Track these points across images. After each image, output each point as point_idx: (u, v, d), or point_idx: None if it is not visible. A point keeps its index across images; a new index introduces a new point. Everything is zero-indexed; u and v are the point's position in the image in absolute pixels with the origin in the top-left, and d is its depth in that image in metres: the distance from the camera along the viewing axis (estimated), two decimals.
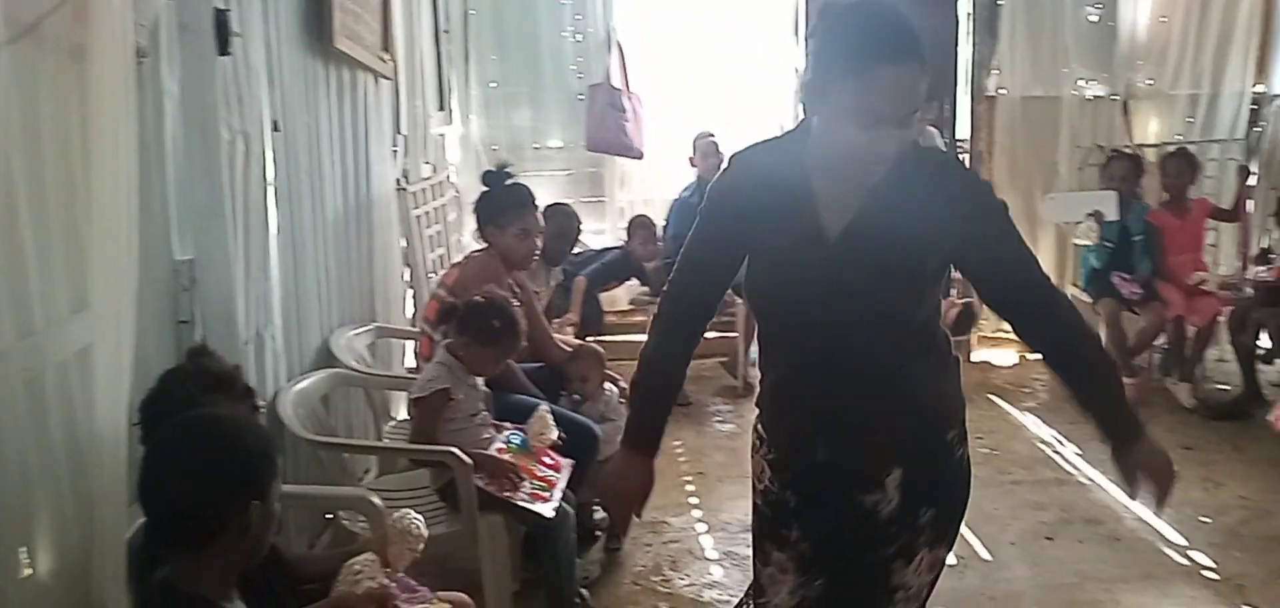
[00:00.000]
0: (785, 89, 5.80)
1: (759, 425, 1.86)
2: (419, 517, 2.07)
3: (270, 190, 2.76)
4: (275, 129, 2.81)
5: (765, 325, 1.84)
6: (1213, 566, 3.27)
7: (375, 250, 3.93)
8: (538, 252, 3.49)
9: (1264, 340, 4.57)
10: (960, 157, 5.84)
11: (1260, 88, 5.43)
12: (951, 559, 2.02)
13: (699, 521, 3.79)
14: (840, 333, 1.65)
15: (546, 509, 2.70)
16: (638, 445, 1.84)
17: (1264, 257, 4.83)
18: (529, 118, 6.12)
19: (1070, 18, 5.62)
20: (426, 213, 4.50)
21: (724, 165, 1.81)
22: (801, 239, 1.65)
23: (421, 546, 2.04)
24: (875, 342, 1.65)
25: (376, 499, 2.35)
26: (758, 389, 1.87)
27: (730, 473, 4.27)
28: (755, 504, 1.86)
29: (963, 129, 5.90)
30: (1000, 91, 5.71)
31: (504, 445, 2.79)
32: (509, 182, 3.44)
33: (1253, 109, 5.53)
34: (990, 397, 5.11)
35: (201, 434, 1.53)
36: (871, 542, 1.72)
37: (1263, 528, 3.56)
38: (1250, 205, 5.31)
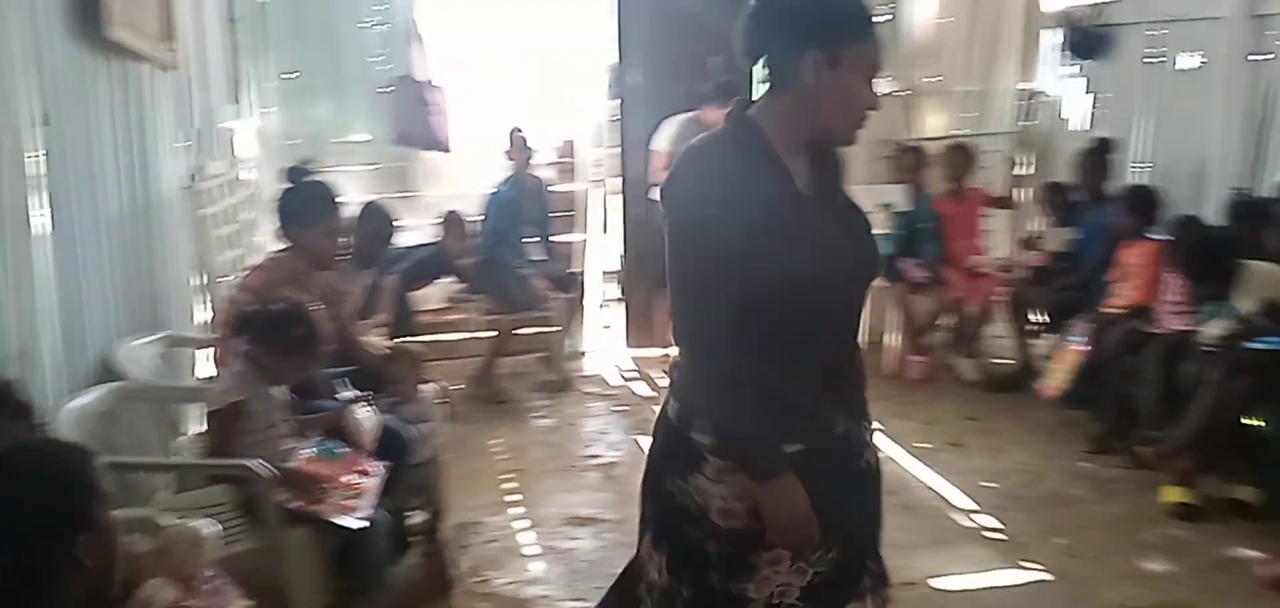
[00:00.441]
0: (599, 79, 5.82)
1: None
2: (205, 522, 1.96)
3: (37, 190, 2.52)
4: (46, 123, 2.57)
5: (784, 322, 1.65)
6: (999, 526, 3.53)
7: (163, 253, 3.67)
8: (347, 251, 3.36)
9: (1036, 317, 5.00)
10: None
11: (1025, 85, 5.92)
12: None
13: (519, 518, 3.77)
14: (853, 303, 1.75)
15: (353, 521, 2.60)
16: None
17: (1034, 241, 5.27)
18: (330, 111, 5.88)
19: None
20: (219, 212, 4.24)
21: (692, 184, 1.66)
22: (813, 224, 1.67)
23: (211, 551, 1.95)
24: (862, 302, 1.77)
25: (159, 517, 2.19)
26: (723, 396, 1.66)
27: (550, 468, 4.27)
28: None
29: None
30: None
31: (313, 454, 2.67)
32: (312, 178, 3.29)
33: (1021, 104, 6.02)
34: None
35: None
36: (878, 498, 1.85)
37: (1040, 490, 3.88)
38: (1021, 193, 5.78)
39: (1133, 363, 4.02)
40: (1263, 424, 3.61)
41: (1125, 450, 4.04)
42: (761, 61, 1.68)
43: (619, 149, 5.88)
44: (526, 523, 3.72)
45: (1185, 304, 4.00)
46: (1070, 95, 5.51)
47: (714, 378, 1.63)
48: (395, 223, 4.50)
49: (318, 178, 3.31)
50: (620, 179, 5.89)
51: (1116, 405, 4.14)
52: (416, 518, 3.29)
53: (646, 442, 4.47)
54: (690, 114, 5.17)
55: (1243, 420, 3.58)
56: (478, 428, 4.72)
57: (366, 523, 2.63)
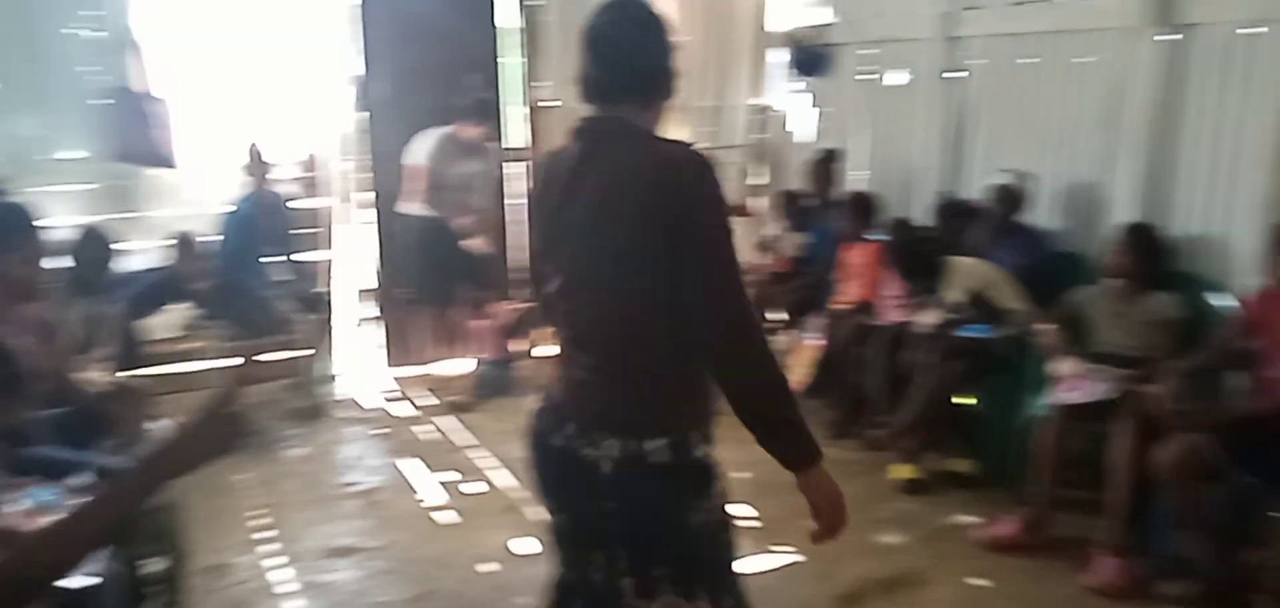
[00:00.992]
0: (344, 90, 5.58)
1: (706, 446, 1.86)
2: None
3: None
4: None
5: None
6: (753, 513, 3.73)
7: None
8: (60, 279, 3.04)
9: (776, 316, 5.31)
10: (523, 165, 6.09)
11: (757, 101, 6.30)
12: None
13: (272, 556, 3.56)
14: None
15: (76, 580, 2.35)
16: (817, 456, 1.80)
17: (771, 246, 5.61)
18: (35, 125, 5.28)
19: None
20: None
21: (714, 183, 1.72)
22: None
23: None
24: None
25: None
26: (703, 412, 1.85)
27: (305, 500, 4.06)
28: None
29: (518, 138, 6.13)
30: (554, 102, 6.02)
31: (31, 506, 2.39)
32: (6, 200, 2.95)
33: (753, 118, 6.40)
34: None
35: None
36: None
37: (787, 477, 4.10)
38: (757, 202, 6.14)
39: (860, 354, 4.38)
40: (973, 402, 4.05)
41: (859, 434, 4.40)
42: (641, 72, 1.81)
43: (369, 162, 5.70)
44: (281, 560, 3.52)
45: (903, 298, 4.41)
46: (797, 110, 5.92)
47: (774, 369, 1.75)
48: (116, 246, 4.15)
49: (10, 200, 2.96)
50: (373, 193, 5.71)
51: (849, 394, 4.49)
52: (154, 566, 3.02)
53: (409, 465, 4.33)
54: (447, 129, 5.11)
55: (956, 400, 4.00)
56: (222, 463, 4.40)
57: (96, 578, 2.39)
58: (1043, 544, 3.45)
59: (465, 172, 5.22)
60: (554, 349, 1.91)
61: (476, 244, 5.24)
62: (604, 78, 1.80)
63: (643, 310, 1.72)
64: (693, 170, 1.70)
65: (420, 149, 5.11)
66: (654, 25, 1.81)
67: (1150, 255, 3.61)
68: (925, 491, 3.92)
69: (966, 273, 4.10)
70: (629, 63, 1.80)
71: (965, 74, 4.82)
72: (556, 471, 1.88)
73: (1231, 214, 3.63)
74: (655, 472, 1.75)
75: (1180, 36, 3.77)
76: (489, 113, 5.19)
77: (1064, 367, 3.55)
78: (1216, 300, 3.55)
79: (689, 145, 1.79)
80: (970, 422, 4.10)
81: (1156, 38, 3.80)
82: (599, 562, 1.85)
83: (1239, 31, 3.59)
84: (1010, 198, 4.23)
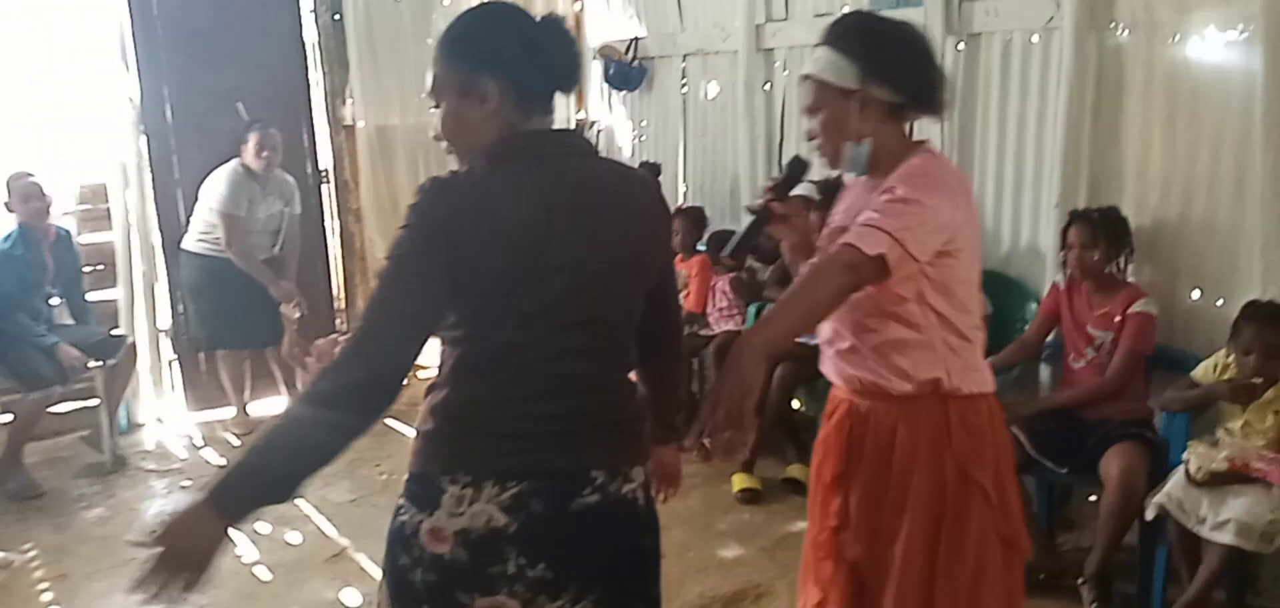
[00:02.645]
0: (122, 115, 5.11)
1: None
2: None
3: None
4: None
5: None
6: None
7: None
8: None
9: None
10: (324, 186, 5.79)
11: (581, 115, 6.26)
12: None
13: None
14: None
15: None
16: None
17: None
18: None
19: (414, 52, 5.88)
20: None
21: None
22: None
23: None
24: None
25: None
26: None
27: (103, 566, 3.68)
28: None
29: (325, 159, 5.83)
30: (357, 121, 5.76)
31: None
32: None
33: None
34: (386, 422, 5.13)
35: None
36: None
37: None
38: None
39: (695, 365, 4.41)
40: (802, 408, 4.15)
41: (698, 447, 4.40)
42: (578, 72, 1.67)
43: (152, 193, 5.26)
44: None
45: (733, 308, 4.47)
46: (620, 124, 5.92)
47: None
48: None
49: None
50: (158, 227, 5.27)
51: (686, 406, 4.50)
52: None
53: None
54: (235, 164, 4.82)
55: (790, 405, 4.08)
56: (3, 533, 3.95)
57: None
58: None
59: (268, 214, 4.92)
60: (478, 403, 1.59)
61: (290, 308, 4.96)
62: (539, 81, 1.61)
63: (632, 334, 1.72)
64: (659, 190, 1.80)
65: (223, 194, 4.80)
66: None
67: None
68: (763, 500, 3.98)
69: None
70: (571, 63, 1.65)
71: (771, 86, 4.94)
72: (589, 538, 1.59)
73: (1036, 213, 3.85)
74: (650, 498, 1.74)
75: (963, 46, 3.99)
76: (269, 139, 4.86)
77: None
78: (1023, 298, 3.77)
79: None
80: (802, 427, 4.19)
81: (955, 46, 4.00)
82: None
83: (1018, 39, 3.82)
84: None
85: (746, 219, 2.10)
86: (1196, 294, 3.38)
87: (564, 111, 6.17)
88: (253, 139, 4.83)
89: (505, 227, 1.50)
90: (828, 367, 2.07)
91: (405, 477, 1.63)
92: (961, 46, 3.98)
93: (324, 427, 1.52)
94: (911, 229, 1.76)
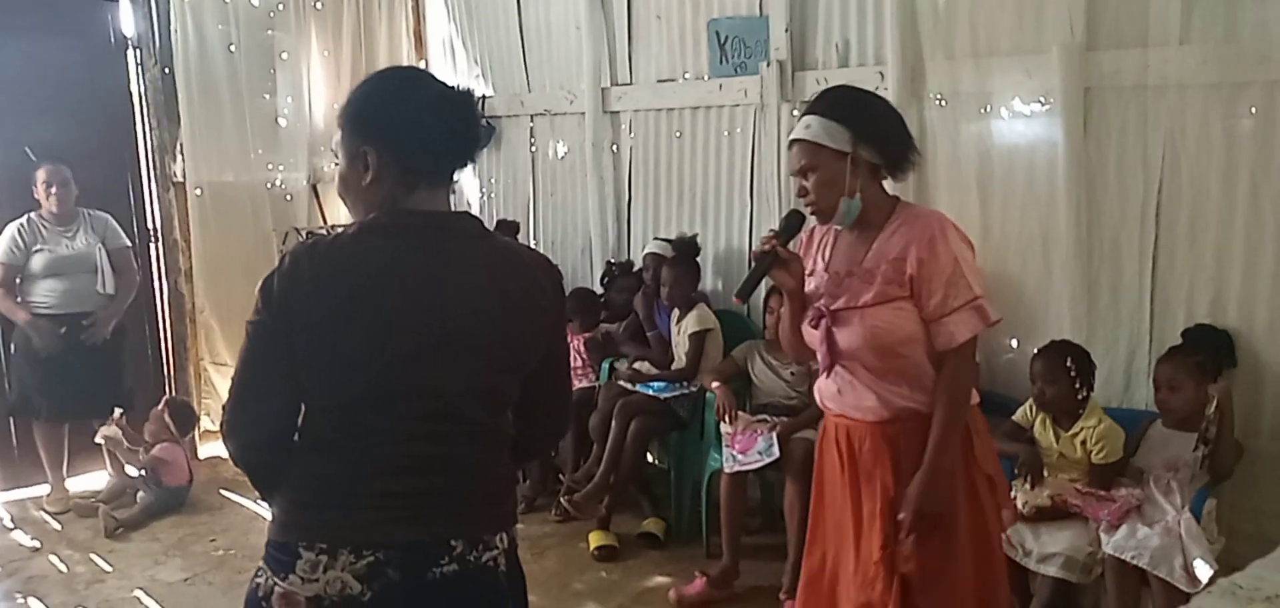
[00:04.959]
0: None
1: None
2: None
3: None
4: None
5: None
6: None
7: None
8: None
9: None
10: (154, 245, 5.49)
11: None
12: None
13: None
14: None
15: None
16: None
17: None
18: None
19: (252, 106, 5.68)
20: None
21: None
22: None
23: None
24: None
25: None
26: None
27: None
28: None
29: (154, 218, 5.52)
30: (190, 182, 5.49)
31: None
32: None
33: None
34: (221, 492, 4.89)
35: None
36: None
37: None
38: None
39: None
40: (656, 461, 4.22)
41: (554, 504, 4.39)
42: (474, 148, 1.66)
43: None
44: None
45: (585, 364, 4.52)
46: (467, 181, 5.88)
47: None
48: None
49: None
50: None
51: (540, 465, 4.50)
52: None
53: (38, 604, 3.71)
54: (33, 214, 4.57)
55: (642, 459, 4.14)
56: None
57: None
58: (733, 597, 3.63)
59: (66, 254, 4.61)
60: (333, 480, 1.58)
61: (96, 337, 4.64)
62: (425, 156, 1.59)
63: (502, 415, 1.71)
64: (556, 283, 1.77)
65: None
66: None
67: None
68: (620, 556, 4.00)
69: (696, 319, 4.19)
70: (468, 140, 1.63)
71: (617, 148, 5.06)
72: (447, 605, 1.58)
73: None
74: (516, 562, 1.71)
75: (797, 113, 4.22)
76: (56, 173, 4.59)
77: (731, 424, 3.79)
78: None
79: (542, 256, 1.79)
80: (658, 482, 4.26)
81: (789, 112, 4.22)
82: None
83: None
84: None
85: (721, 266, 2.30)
86: (1014, 343, 3.67)
87: None
88: (40, 177, 4.56)
89: (350, 302, 1.52)
90: (846, 399, 2.28)
91: (265, 539, 1.61)
92: (796, 113, 4.21)
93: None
94: (978, 278, 2.18)
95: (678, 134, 4.80)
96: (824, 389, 2.35)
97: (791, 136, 2.25)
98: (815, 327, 2.27)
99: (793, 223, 2.31)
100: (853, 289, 2.22)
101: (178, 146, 5.42)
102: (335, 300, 1.51)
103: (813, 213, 2.24)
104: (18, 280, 4.60)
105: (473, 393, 1.60)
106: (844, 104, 2.22)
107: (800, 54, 4.21)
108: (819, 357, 2.29)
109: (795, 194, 2.27)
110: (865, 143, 2.17)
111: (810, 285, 2.31)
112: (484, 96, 5.60)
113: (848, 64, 4.07)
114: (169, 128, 5.39)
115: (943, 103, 3.77)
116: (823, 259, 2.32)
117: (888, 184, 2.28)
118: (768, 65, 4.24)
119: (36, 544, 4.38)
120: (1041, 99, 3.50)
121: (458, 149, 1.63)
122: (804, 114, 2.25)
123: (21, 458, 4.98)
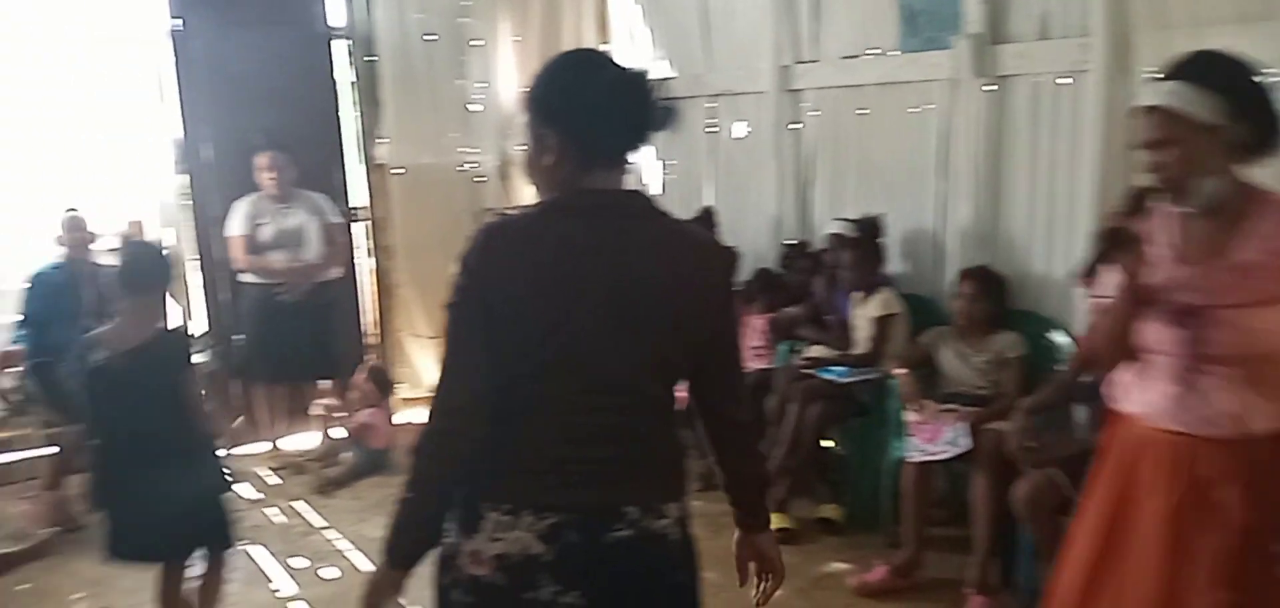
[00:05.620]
0: (164, 153, 5.22)
1: None
2: None
3: None
4: None
5: None
6: None
7: None
8: None
9: None
10: (361, 223, 5.86)
11: None
12: None
13: None
14: None
15: None
16: None
17: None
18: None
19: (447, 92, 5.95)
20: None
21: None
22: None
23: None
24: None
25: None
26: None
27: (142, 599, 3.69)
28: None
29: (358, 197, 5.91)
30: (391, 165, 5.82)
31: None
32: None
33: None
34: None
35: None
36: None
37: None
38: None
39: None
40: (835, 446, 4.15)
41: None
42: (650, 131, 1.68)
43: (193, 229, 5.37)
44: None
45: (765, 345, 4.49)
46: (646, 164, 5.96)
47: None
48: None
49: None
50: (199, 261, 5.38)
51: (766, 481, 4.49)
52: None
53: (257, 552, 4.01)
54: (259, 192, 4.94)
55: (820, 443, 4.09)
56: (49, 566, 4.01)
57: None
58: (915, 587, 3.55)
59: (287, 227, 4.97)
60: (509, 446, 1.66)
61: (304, 293, 4.99)
62: (603, 139, 1.62)
63: (672, 388, 1.74)
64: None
65: (235, 219, 4.91)
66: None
67: (993, 296, 3.81)
68: (798, 539, 3.97)
69: (880, 303, 4.12)
70: (644, 122, 1.64)
71: (803, 125, 4.98)
72: (621, 569, 1.64)
73: (1068, 253, 3.86)
74: (689, 534, 1.76)
75: (996, 88, 4.03)
76: (273, 158, 4.93)
77: (917, 413, 3.68)
78: (1057, 338, 3.78)
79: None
80: (837, 467, 4.20)
81: (982, 88, 4.04)
82: None
83: (1048, 82, 3.86)
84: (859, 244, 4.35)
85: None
86: None
87: None
88: (260, 163, 4.94)
89: (534, 277, 1.59)
90: (1191, 412, 2.01)
91: None
92: (994, 88, 4.02)
93: (425, 476, 1.65)
94: None
95: (863, 112, 4.69)
96: (1150, 397, 2.06)
97: (1148, 103, 1.98)
98: (1174, 325, 1.99)
99: (1137, 202, 2.03)
100: (1218, 285, 1.95)
101: (380, 130, 5.76)
102: (522, 275, 1.59)
103: (1165, 191, 1.97)
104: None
105: (645, 366, 1.65)
106: (1219, 71, 1.94)
107: (997, 26, 4.01)
108: (1166, 361, 2.01)
109: (1145, 169, 2.00)
110: (1241, 118, 1.91)
111: (1154, 276, 2.02)
112: (664, 79, 5.65)
113: (1049, 36, 3.85)
114: (372, 113, 5.74)
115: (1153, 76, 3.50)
116: (1171, 247, 2.04)
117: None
118: (961, 39, 4.07)
119: (262, 495, 4.79)
120: (1273, 71, 3.19)
121: (633, 131, 1.65)
122: (1165, 78, 1.98)
123: (247, 416, 5.44)
